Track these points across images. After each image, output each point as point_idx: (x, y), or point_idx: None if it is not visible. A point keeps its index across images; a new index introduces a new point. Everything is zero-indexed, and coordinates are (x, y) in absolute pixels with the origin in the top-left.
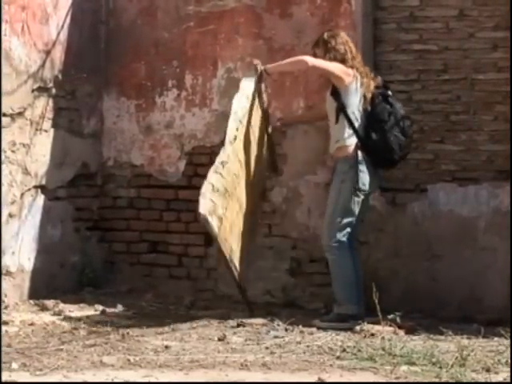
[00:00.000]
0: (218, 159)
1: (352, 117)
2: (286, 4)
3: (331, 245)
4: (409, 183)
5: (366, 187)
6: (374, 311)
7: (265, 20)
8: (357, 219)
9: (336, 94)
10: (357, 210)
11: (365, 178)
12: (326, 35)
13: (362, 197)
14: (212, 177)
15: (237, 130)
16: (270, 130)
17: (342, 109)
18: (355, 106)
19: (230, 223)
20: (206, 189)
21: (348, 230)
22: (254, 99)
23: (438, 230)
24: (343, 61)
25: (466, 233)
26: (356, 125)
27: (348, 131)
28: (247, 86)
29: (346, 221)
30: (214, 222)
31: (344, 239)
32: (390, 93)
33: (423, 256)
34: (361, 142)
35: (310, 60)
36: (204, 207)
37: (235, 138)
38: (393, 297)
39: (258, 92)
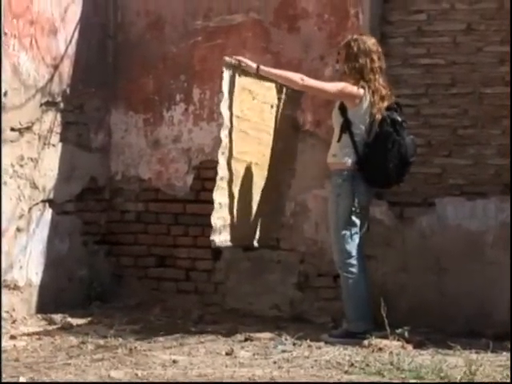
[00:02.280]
0: (218, 177)
1: (356, 135)
2: (294, 18)
3: (344, 261)
4: (417, 197)
5: (362, 200)
6: (381, 325)
7: (272, 34)
8: (360, 231)
9: (343, 109)
10: (357, 221)
11: (359, 190)
12: (351, 40)
13: (359, 209)
14: (216, 196)
15: (226, 136)
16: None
17: (346, 125)
18: (361, 124)
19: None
20: (214, 222)
21: (356, 241)
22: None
23: (446, 244)
24: (361, 72)
25: (474, 247)
26: (358, 144)
27: (348, 149)
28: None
29: (350, 232)
30: (227, 237)
31: (354, 252)
32: (399, 118)
33: (431, 270)
34: (359, 161)
35: (304, 80)
36: (219, 239)
37: (226, 146)
38: (401, 311)
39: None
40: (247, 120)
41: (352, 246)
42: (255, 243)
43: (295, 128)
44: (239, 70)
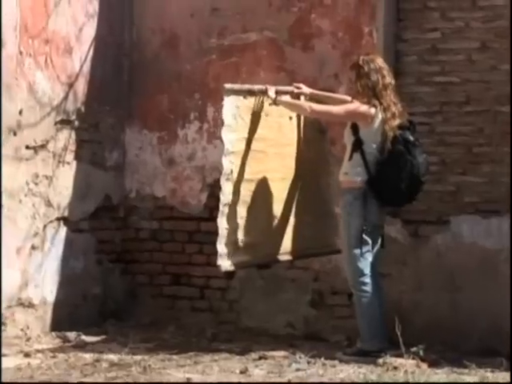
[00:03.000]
0: (220, 204)
1: (368, 154)
2: (308, 37)
3: (356, 280)
4: (431, 215)
5: (373, 218)
6: (396, 344)
7: (287, 53)
8: (371, 252)
9: (355, 128)
10: (369, 239)
11: (371, 209)
12: (361, 60)
13: (371, 227)
14: (221, 223)
15: (231, 162)
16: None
17: (358, 144)
18: (372, 143)
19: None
20: (221, 247)
21: (368, 259)
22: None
23: (461, 262)
24: (373, 89)
25: (489, 265)
26: (370, 163)
27: (360, 168)
28: (236, 100)
29: (362, 250)
30: (235, 258)
31: (367, 271)
32: (411, 138)
33: (446, 288)
34: (370, 179)
35: (312, 108)
36: (225, 265)
37: (231, 172)
38: (415, 329)
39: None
40: (263, 139)
41: (364, 265)
42: (284, 257)
43: (321, 131)
44: (243, 93)
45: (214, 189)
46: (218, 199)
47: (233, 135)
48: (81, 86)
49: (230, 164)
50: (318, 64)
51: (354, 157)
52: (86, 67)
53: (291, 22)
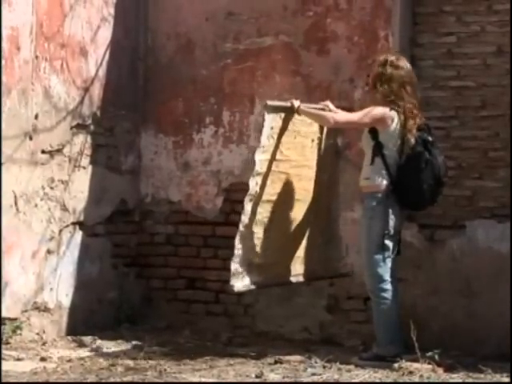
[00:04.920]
0: (241, 224)
1: (388, 157)
2: (324, 41)
3: (376, 286)
4: (447, 220)
5: (395, 223)
6: (412, 348)
7: (302, 57)
8: (391, 257)
9: (374, 132)
10: (390, 244)
11: (393, 213)
12: (383, 59)
13: (392, 232)
14: (239, 242)
15: (257, 183)
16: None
17: (378, 148)
18: (392, 145)
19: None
20: (235, 267)
21: (388, 265)
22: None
23: (477, 267)
24: (391, 91)
25: (505, 269)
26: (390, 166)
27: (382, 172)
28: (272, 120)
29: (383, 256)
30: (247, 279)
31: (387, 277)
32: (430, 138)
33: (462, 293)
34: (392, 183)
35: (336, 119)
36: (238, 286)
37: (256, 193)
38: (431, 334)
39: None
40: (288, 161)
41: (384, 270)
42: (296, 279)
43: (337, 154)
44: (280, 109)
45: (230, 193)
46: (233, 203)
47: (263, 156)
48: (96, 91)
49: (256, 185)
50: (334, 68)
51: (376, 161)
52: (102, 71)
53: (307, 26)
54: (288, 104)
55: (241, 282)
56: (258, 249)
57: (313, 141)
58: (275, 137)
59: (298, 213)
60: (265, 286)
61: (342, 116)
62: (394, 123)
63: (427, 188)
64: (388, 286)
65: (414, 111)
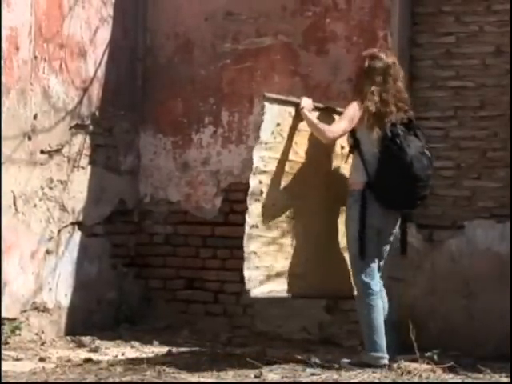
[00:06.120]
0: (247, 225)
1: (366, 154)
2: (322, 41)
3: (358, 290)
4: (446, 220)
5: (375, 222)
6: (411, 349)
7: (301, 57)
8: (377, 258)
9: (352, 129)
10: (371, 246)
11: (372, 213)
12: (368, 55)
13: (372, 234)
14: (249, 247)
15: (260, 181)
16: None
17: (355, 145)
18: (370, 142)
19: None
20: (249, 273)
21: (371, 267)
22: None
23: (476, 267)
24: (369, 84)
25: (504, 270)
26: (370, 163)
27: (359, 169)
28: (278, 115)
29: (362, 257)
30: (265, 287)
31: (368, 279)
32: (400, 132)
33: (460, 293)
34: (369, 181)
35: (333, 132)
36: (255, 292)
37: (261, 193)
38: (430, 334)
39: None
40: (297, 162)
41: (367, 274)
42: (309, 293)
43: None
44: (282, 103)
45: (229, 193)
46: (232, 203)
47: (266, 153)
48: (95, 91)
49: (259, 184)
50: (333, 68)
51: (353, 158)
52: (101, 72)
53: (305, 27)
54: (289, 99)
55: (258, 289)
56: (271, 255)
57: (343, 148)
58: (284, 135)
59: (327, 224)
60: (281, 295)
61: (337, 128)
62: (370, 119)
63: (398, 184)
64: (370, 291)
65: (391, 104)
